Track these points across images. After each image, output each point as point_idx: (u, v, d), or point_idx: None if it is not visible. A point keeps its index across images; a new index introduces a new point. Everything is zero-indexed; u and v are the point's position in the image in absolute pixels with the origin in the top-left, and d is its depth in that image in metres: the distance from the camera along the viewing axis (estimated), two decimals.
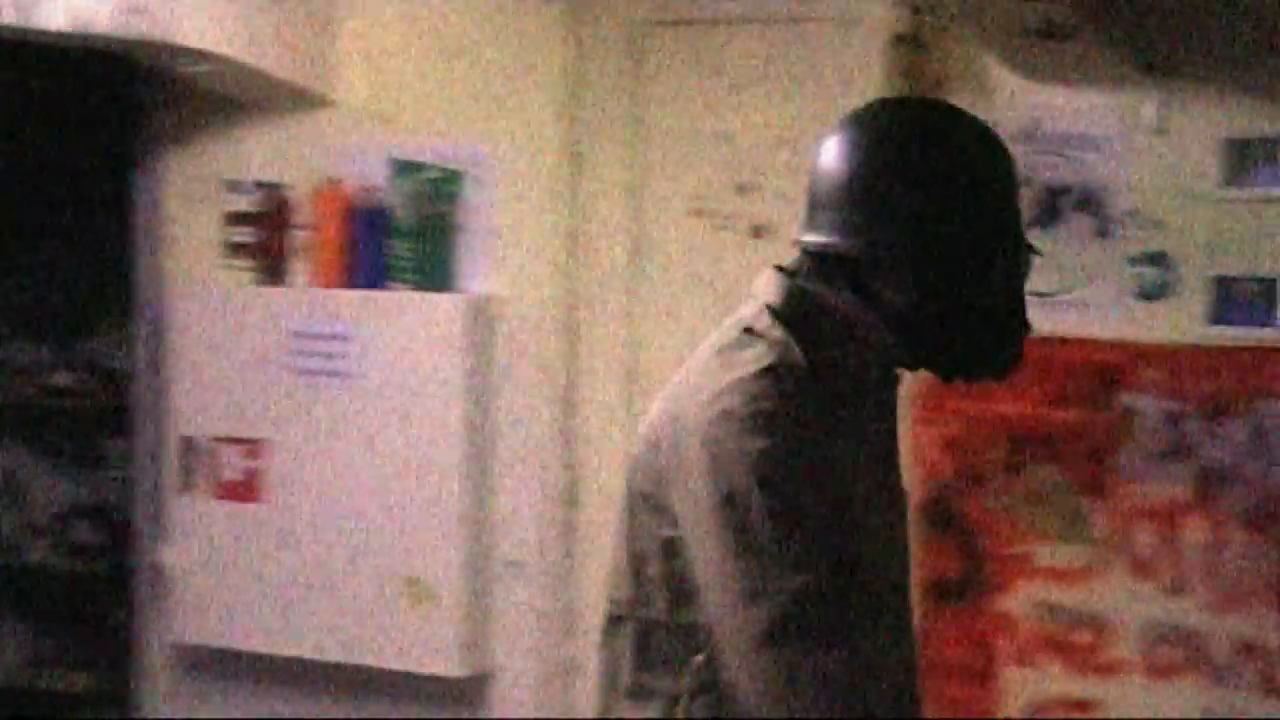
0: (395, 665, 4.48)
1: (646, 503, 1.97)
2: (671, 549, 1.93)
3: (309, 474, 4.53)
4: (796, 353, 1.89)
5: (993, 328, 1.97)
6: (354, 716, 4.61)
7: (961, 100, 3.99)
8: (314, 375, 4.52)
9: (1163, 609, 3.80)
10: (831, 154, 1.98)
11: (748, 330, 1.94)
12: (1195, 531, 3.81)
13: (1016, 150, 3.87)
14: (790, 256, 2.04)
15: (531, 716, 4.46)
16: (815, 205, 1.98)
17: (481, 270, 4.49)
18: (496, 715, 4.51)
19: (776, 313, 1.94)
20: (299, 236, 4.65)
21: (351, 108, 4.59)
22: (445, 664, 4.44)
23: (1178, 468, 3.80)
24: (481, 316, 4.44)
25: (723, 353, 1.94)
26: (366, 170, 4.55)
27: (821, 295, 1.95)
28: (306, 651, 4.57)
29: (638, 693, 1.98)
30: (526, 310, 4.44)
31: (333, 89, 4.59)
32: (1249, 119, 3.75)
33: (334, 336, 4.50)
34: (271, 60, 4.35)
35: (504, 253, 4.46)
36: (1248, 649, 3.76)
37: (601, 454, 4.41)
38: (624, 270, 4.38)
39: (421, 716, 4.53)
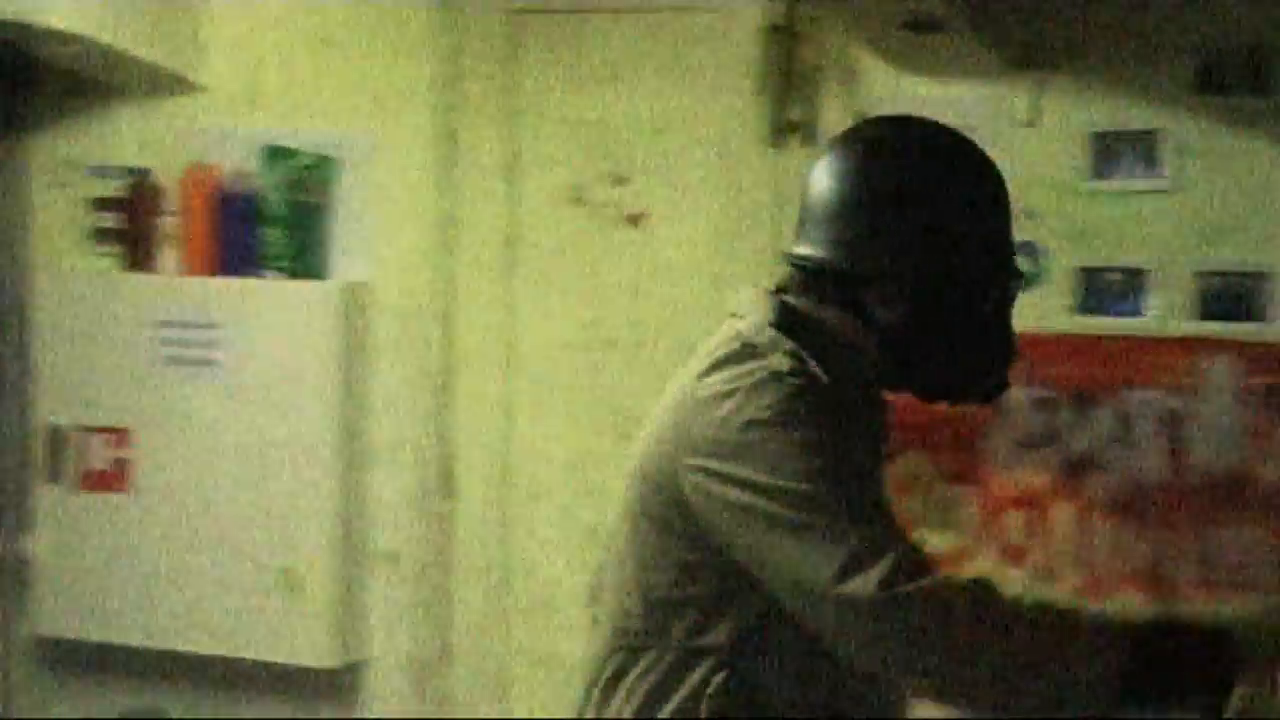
0: (265, 656, 4.43)
1: (656, 528, 1.92)
2: (689, 572, 1.89)
3: (178, 464, 4.45)
4: (810, 362, 1.89)
5: (982, 350, 1.97)
6: (222, 709, 4.55)
7: (833, 91, 4.05)
8: (183, 364, 4.45)
9: (1032, 595, 3.84)
10: (830, 170, 1.97)
11: (747, 345, 1.93)
12: (1063, 518, 3.86)
13: None
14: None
15: (404, 708, 4.43)
16: (810, 220, 1.97)
17: (355, 258, 4.44)
18: (368, 706, 4.47)
19: (777, 327, 1.93)
20: (167, 223, 4.57)
21: (221, 92, 4.52)
22: (316, 655, 4.39)
23: (1046, 455, 3.85)
24: (355, 305, 4.39)
25: (727, 367, 1.91)
26: (236, 156, 4.48)
27: (815, 312, 1.95)
28: (174, 644, 4.50)
29: None
30: (401, 299, 4.41)
31: (202, 73, 4.51)
32: (1117, 112, 3.81)
33: (203, 325, 4.43)
34: (139, 43, 4.27)
35: (378, 240, 4.42)
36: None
37: (478, 443, 4.38)
38: (499, 258, 4.36)
39: (292, 707, 4.48)
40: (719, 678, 1.86)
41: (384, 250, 4.41)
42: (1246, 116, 3.74)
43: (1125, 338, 3.81)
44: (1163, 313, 3.81)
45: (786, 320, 1.93)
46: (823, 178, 1.97)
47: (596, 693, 1.97)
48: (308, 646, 4.39)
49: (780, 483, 1.78)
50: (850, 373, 1.93)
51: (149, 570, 4.48)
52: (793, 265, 1.99)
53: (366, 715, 4.48)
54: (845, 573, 1.73)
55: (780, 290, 1.99)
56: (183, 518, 4.45)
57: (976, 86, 3.90)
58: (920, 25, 3.78)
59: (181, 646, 4.50)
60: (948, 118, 3.83)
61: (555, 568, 4.33)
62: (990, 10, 3.76)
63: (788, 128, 4.06)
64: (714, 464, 1.83)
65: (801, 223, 1.99)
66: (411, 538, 4.43)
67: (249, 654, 4.44)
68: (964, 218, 1.94)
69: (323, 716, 4.49)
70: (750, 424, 1.81)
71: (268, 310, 4.39)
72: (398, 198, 4.40)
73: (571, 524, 4.32)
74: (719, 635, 1.87)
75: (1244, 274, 3.75)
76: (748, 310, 1.99)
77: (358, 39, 4.41)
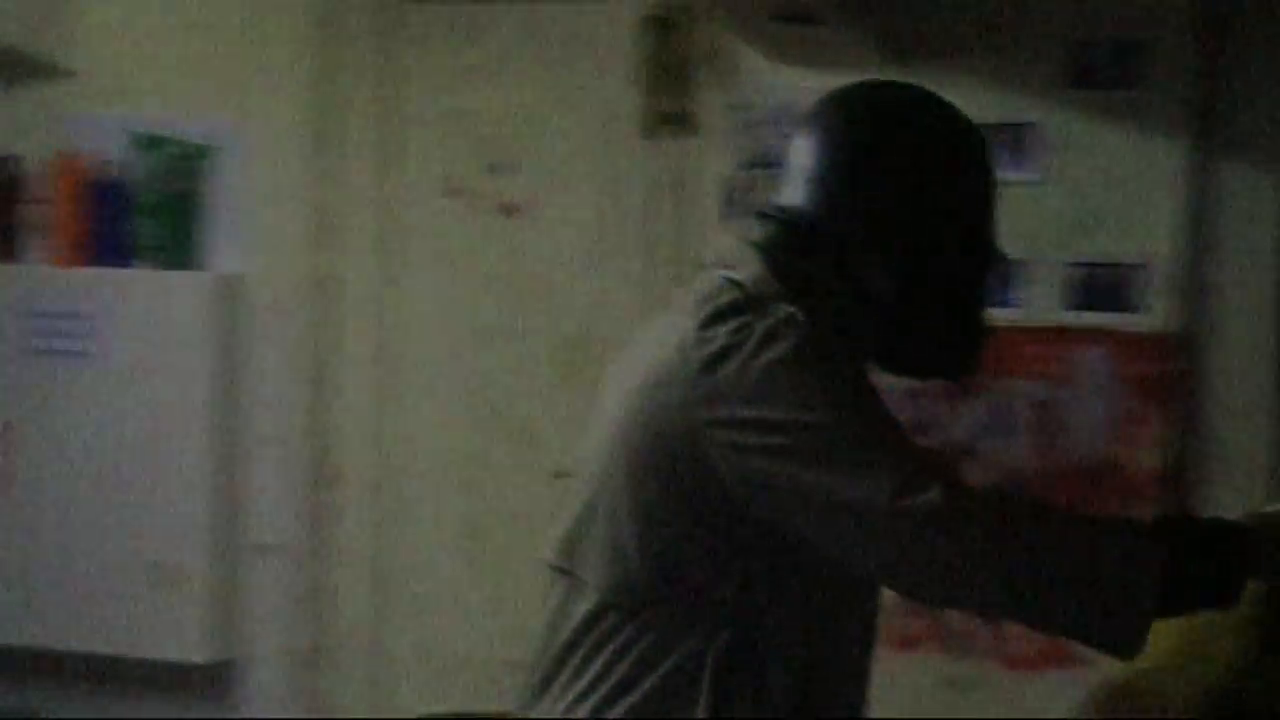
0: (140, 653, 4.37)
1: (660, 484, 1.81)
2: (697, 528, 1.81)
3: (50, 457, 4.38)
4: (798, 312, 1.82)
5: (960, 328, 1.93)
6: (99, 707, 4.48)
7: (711, 82, 4.06)
8: (55, 356, 4.38)
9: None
10: (823, 126, 1.90)
11: (751, 296, 1.83)
12: None
13: (765, 132, 3.93)
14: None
15: (282, 703, 4.39)
16: (798, 176, 1.91)
17: (230, 248, 4.39)
18: (247, 702, 4.43)
19: (770, 279, 1.85)
20: (35, 211, 4.48)
21: (92, 78, 4.44)
22: (192, 650, 4.34)
23: (923, 445, 3.88)
24: (230, 296, 4.34)
25: (732, 317, 1.81)
26: (107, 143, 4.41)
27: (808, 270, 1.88)
28: (50, 642, 4.42)
29: (631, 686, 1.83)
30: (277, 290, 4.36)
31: (70, 58, 4.43)
32: (989, 105, 3.84)
33: (75, 316, 4.36)
34: (5, 27, 4.19)
35: (253, 231, 4.37)
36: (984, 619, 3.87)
37: (356, 435, 4.35)
38: (376, 249, 4.32)
39: (169, 704, 4.43)
40: (723, 636, 1.80)
41: (260, 241, 4.36)
42: (1117, 109, 3.78)
43: (998, 328, 3.84)
44: (1035, 304, 3.85)
45: (783, 275, 1.86)
46: (813, 134, 1.90)
47: (577, 656, 1.87)
48: (184, 642, 4.34)
49: (818, 418, 1.74)
50: (844, 334, 1.88)
51: (20, 565, 4.41)
52: (777, 222, 1.91)
53: (245, 711, 4.43)
54: (905, 491, 1.70)
55: (765, 247, 1.90)
56: (55, 511, 4.38)
57: (851, 78, 3.90)
58: (793, 17, 3.80)
59: (57, 644, 4.42)
60: None
61: (435, 558, 4.31)
62: (864, 3, 3.78)
63: (663, 118, 4.06)
64: (743, 412, 1.75)
65: (785, 182, 1.93)
66: (289, 531, 4.39)
67: (125, 651, 4.38)
68: (957, 189, 1.90)
69: (200, 713, 4.43)
70: (773, 365, 1.75)
71: (141, 301, 4.33)
72: (273, 188, 4.35)
73: (451, 515, 4.29)
74: (724, 593, 1.80)
75: (1114, 265, 3.80)
76: (736, 262, 1.89)
77: (233, 26, 4.35)
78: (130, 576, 4.33)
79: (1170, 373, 3.74)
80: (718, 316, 1.79)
